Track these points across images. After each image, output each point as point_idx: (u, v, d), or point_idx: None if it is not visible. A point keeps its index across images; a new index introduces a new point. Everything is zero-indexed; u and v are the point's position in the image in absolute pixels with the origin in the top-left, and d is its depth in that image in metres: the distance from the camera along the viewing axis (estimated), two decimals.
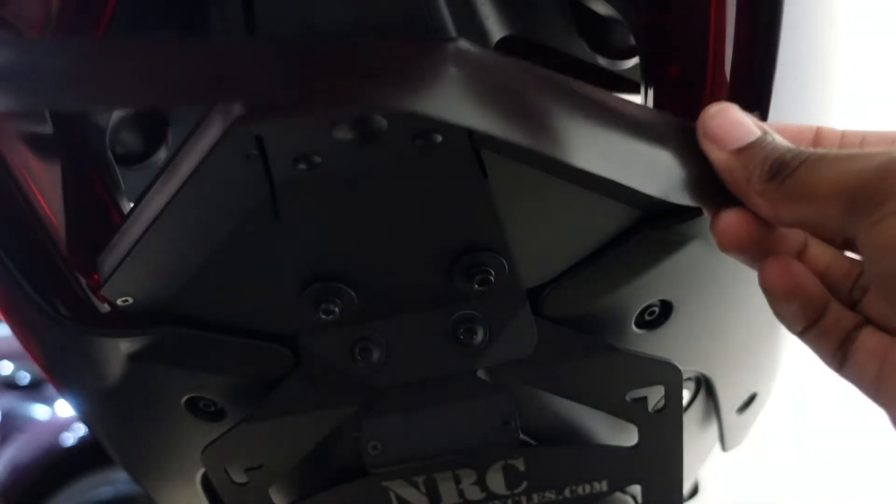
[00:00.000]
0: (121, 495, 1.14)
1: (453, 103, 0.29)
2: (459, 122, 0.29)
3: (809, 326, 0.33)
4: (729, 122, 0.33)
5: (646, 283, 0.41)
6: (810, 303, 0.33)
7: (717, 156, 0.33)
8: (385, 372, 0.41)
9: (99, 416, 0.51)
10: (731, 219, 0.33)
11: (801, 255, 0.34)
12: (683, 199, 0.34)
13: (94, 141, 0.45)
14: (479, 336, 0.40)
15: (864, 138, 0.34)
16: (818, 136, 0.34)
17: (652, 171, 0.33)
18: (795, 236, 0.34)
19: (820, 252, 0.34)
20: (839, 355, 0.33)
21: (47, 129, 0.43)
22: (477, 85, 0.30)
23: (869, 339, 0.32)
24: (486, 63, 0.30)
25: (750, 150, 0.32)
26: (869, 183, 0.28)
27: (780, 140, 0.32)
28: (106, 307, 0.41)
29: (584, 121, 0.32)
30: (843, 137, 0.34)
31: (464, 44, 0.30)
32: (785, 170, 0.31)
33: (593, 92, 0.32)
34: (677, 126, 0.34)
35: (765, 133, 0.33)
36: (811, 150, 0.31)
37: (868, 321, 0.33)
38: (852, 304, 0.34)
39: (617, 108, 0.33)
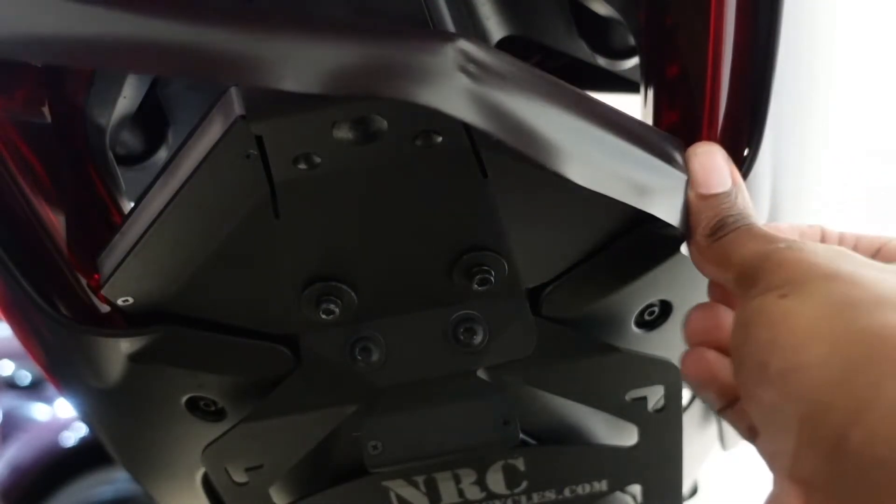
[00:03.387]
0: (121, 495, 1.14)
1: (457, 100, 0.30)
2: (462, 117, 0.30)
3: (726, 407, 0.36)
4: (709, 165, 0.35)
5: (645, 283, 0.41)
6: (725, 389, 0.35)
7: (688, 192, 0.36)
8: (385, 372, 0.41)
9: (99, 415, 0.51)
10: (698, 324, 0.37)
11: None
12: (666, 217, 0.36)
13: (95, 141, 0.45)
14: (479, 336, 0.40)
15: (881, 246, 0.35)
16: (822, 236, 0.36)
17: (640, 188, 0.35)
18: None
19: None
20: (753, 431, 0.35)
21: (48, 128, 0.43)
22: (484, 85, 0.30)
23: None
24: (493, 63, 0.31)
25: (712, 200, 0.35)
26: (752, 265, 0.31)
27: (741, 199, 0.35)
28: (106, 307, 0.41)
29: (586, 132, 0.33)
30: (842, 239, 0.36)
31: (467, 43, 0.30)
32: (720, 232, 0.34)
33: (597, 105, 0.34)
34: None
35: (733, 187, 0.35)
36: (748, 221, 0.34)
37: None
38: None
39: (621, 122, 0.34)
